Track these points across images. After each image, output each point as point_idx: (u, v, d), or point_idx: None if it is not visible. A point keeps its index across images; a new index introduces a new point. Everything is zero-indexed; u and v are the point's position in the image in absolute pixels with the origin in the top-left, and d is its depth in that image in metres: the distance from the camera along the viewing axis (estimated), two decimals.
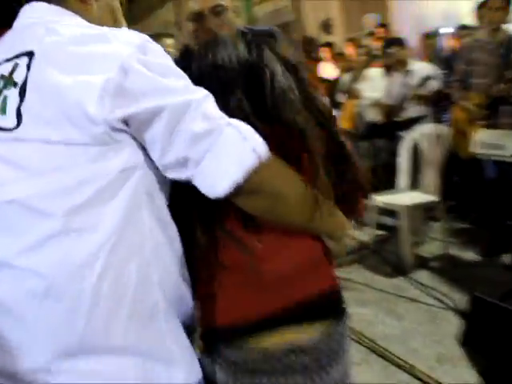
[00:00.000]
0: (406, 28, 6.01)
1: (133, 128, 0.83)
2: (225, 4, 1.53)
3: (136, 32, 0.89)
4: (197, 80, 0.90)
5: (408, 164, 3.78)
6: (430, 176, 3.62)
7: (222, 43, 1.02)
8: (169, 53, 3.07)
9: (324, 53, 6.72)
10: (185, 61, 1.41)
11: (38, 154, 0.82)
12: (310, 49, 7.65)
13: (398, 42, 4.57)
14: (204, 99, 0.85)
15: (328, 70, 6.58)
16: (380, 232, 4.06)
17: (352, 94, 4.84)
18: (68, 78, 0.80)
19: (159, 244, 0.88)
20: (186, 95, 0.84)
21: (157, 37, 2.90)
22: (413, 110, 4.36)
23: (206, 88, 0.88)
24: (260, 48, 1.01)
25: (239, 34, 1.05)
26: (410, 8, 6.23)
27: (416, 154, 3.81)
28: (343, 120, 5.22)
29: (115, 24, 1.01)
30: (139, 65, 0.82)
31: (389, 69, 4.82)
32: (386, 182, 4.48)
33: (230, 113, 0.88)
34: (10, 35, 0.94)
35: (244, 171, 0.82)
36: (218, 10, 1.52)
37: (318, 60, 6.99)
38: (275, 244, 0.97)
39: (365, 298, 3.12)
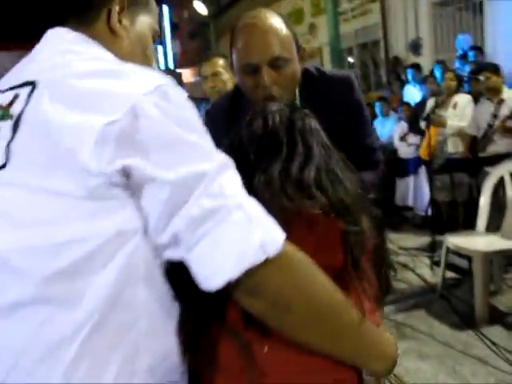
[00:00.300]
0: (502, 52, 5.54)
1: (133, 183, 0.70)
2: (287, 56, 1.22)
3: (159, 72, 0.76)
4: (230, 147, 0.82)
5: (489, 204, 3.40)
6: None
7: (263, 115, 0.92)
8: (218, 73, 2.88)
9: (410, 75, 6.39)
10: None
11: (23, 203, 0.70)
12: (397, 69, 7.36)
13: (491, 68, 4.19)
14: (220, 169, 0.71)
15: (413, 93, 6.25)
16: (451, 274, 3.71)
17: (435, 121, 4.49)
18: (65, 117, 0.69)
19: (154, 327, 0.74)
20: (203, 161, 0.70)
21: (208, 57, 2.82)
22: (501, 144, 3.96)
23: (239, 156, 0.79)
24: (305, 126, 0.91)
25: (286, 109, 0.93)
26: (507, 30, 5.74)
27: (501, 194, 3.43)
28: (422, 148, 4.88)
29: (145, 61, 0.90)
30: (155, 109, 0.69)
31: (478, 96, 4.44)
32: (466, 220, 4.11)
33: (255, 189, 0.78)
34: (25, 60, 0.84)
35: (243, 269, 0.67)
36: (277, 64, 1.21)
37: (403, 82, 6.67)
38: (287, 357, 0.75)
39: (425, 352, 2.80)
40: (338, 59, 8.97)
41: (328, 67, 9.16)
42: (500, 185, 3.45)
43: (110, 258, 0.69)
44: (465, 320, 3.12)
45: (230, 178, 0.72)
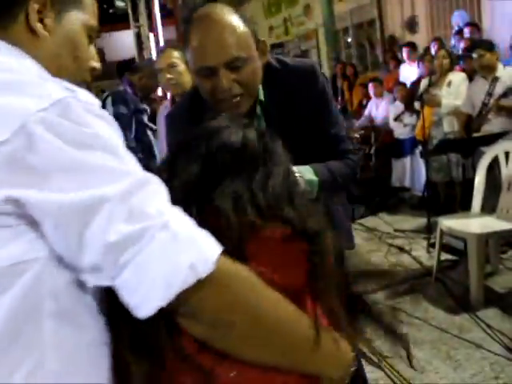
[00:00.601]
0: (499, 28, 5.41)
1: (28, 211, 0.63)
2: (245, 55, 1.14)
3: (66, 83, 0.67)
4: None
5: (484, 184, 3.34)
6: (509, 200, 3.17)
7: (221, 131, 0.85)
8: (175, 65, 2.86)
9: (406, 53, 6.27)
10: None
11: None
12: (393, 49, 7.23)
13: (485, 45, 4.09)
14: (136, 188, 0.64)
15: (409, 72, 6.13)
16: (447, 256, 3.67)
17: (429, 101, 4.40)
18: None
19: (70, 368, 0.67)
20: (108, 183, 0.63)
21: (164, 48, 2.78)
22: (495, 123, 3.88)
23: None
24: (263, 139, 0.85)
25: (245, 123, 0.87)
26: (504, 6, 5.61)
27: (497, 174, 3.37)
28: (417, 129, 4.80)
29: (75, 63, 0.81)
30: (50, 129, 0.61)
31: (472, 74, 4.34)
32: (462, 200, 4.05)
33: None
34: None
35: (173, 294, 0.62)
36: (235, 65, 1.14)
37: (399, 61, 6.56)
38: (253, 377, 0.72)
39: (419, 337, 2.75)
40: (334, 40, 8.83)
41: (324, 48, 9.03)
42: (496, 164, 3.38)
43: (3, 292, 0.63)
44: (460, 303, 3.08)
45: (151, 196, 0.65)
